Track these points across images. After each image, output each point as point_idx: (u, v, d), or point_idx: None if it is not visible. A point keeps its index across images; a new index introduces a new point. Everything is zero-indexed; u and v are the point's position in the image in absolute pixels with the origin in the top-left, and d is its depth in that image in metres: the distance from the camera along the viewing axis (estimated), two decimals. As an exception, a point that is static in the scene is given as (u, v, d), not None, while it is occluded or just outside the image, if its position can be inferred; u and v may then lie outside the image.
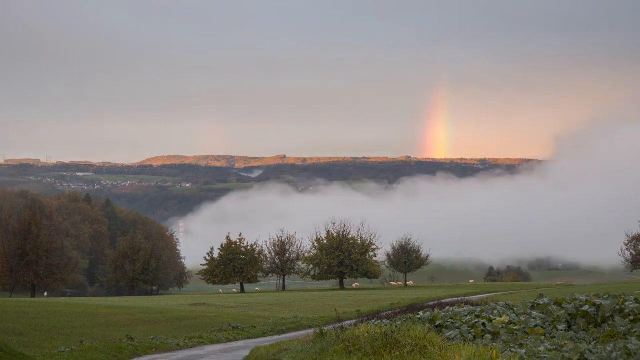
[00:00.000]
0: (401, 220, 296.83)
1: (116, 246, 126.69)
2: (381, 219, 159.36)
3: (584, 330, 20.32)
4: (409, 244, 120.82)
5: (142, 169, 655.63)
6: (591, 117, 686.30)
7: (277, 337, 41.35)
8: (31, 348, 30.47)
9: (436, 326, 22.66)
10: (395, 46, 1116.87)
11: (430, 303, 51.13)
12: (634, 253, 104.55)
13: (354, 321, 33.80)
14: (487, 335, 20.08)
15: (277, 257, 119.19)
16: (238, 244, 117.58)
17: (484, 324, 21.44)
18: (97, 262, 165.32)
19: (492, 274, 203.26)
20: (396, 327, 21.95)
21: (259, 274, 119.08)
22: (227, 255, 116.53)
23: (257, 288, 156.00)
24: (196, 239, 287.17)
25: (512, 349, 17.32)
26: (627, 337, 17.96)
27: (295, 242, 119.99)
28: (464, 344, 17.79)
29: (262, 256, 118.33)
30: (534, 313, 22.26)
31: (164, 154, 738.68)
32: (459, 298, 58.20)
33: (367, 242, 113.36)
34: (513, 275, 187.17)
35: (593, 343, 17.77)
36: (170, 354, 33.21)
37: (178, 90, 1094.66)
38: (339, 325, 26.66)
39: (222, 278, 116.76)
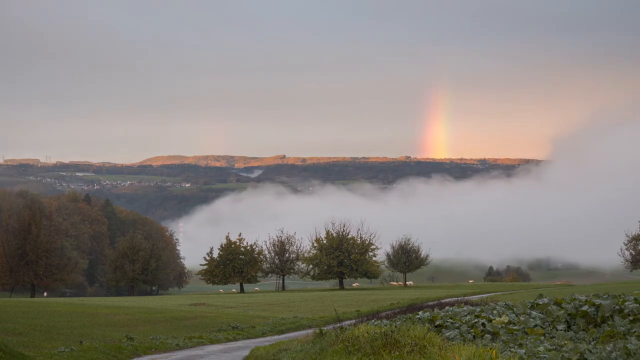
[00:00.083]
0: (400, 220, 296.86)
1: (116, 246, 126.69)
2: (380, 219, 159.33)
3: (583, 330, 20.32)
4: (409, 244, 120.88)
5: (141, 169, 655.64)
6: (591, 117, 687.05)
7: (276, 337, 41.34)
8: (31, 348, 30.46)
9: (436, 326, 22.66)
10: (395, 46, 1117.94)
11: (429, 303, 51.11)
12: (634, 253, 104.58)
13: (353, 321, 33.79)
14: (487, 335, 20.08)
15: (276, 257, 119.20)
16: (238, 244, 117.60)
17: (483, 324, 21.44)
18: (96, 262, 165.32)
19: (492, 274, 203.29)
20: (396, 327, 21.95)
21: (258, 274, 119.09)
22: (226, 255, 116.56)
23: (256, 288, 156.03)
24: (195, 239, 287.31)
25: (512, 349, 17.32)
26: (626, 337, 17.96)
27: (295, 242, 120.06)
28: (464, 344, 17.79)
29: (261, 256, 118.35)
30: (534, 313, 22.26)
31: (163, 154, 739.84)
32: (459, 298, 58.18)
33: (367, 242, 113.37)
34: (512, 275, 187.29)
35: (592, 343, 17.77)
36: (169, 354, 33.20)
37: (178, 90, 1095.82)
38: (338, 325, 26.65)
39: (222, 278, 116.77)
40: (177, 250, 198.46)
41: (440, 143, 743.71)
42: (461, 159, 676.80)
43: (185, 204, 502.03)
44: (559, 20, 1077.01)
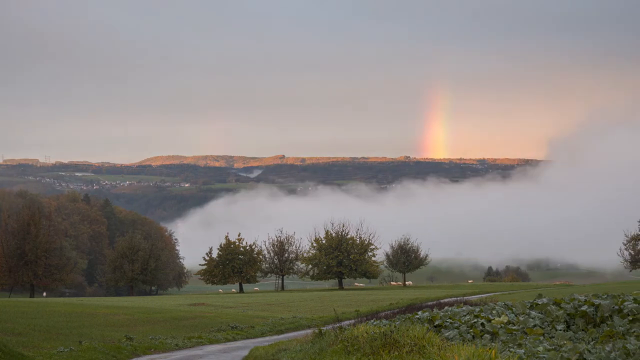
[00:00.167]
0: (400, 220, 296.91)
1: (115, 246, 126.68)
2: (380, 219, 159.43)
3: (582, 330, 20.32)
4: (408, 244, 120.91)
5: (141, 169, 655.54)
6: (591, 117, 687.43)
7: (275, 337, 41.35)
8: (30, 348, 30.46)
9: (435, 326, 22.66)
10: (395, 46, 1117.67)
11: (429, 303, 51.12)
12: (633, 253, 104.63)
13: (352, 321, 33.79)
14: (486, 335, 20.08)
15: (275, 257, 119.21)
16: (237, 244, 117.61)
17: (482, 324, 21.45)
18: (96, 262, 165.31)
19: (491, 274, 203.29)
20: (395, 327, 21.96)
21: (257, 274, 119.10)
22: (225, 255, 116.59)
23: (256, 288, 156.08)
24: (195, 239, 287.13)
25: (511, 349, 17.32)
26: (625, 337, 17.96)
27: (294, 242, 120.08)
28: (463, 344, 17.79)
29: (261, 256, 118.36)
30: (533, 313, 22.27)
31: (162, 154, 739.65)
32: (458, 298, 58.20)
33: (366, 242, 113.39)
34: (512, 275, 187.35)
35: (592, 343, 17.77)
36: (169, 354, 33.20)
37: (177, 90, 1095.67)
38: (337, 325, 26.65)
39: (221, 278, 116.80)
40: (177, 250, 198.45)
41: (440, 143, 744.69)
42: (460, 159, 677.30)
43: (184, 204, 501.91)
44: (559, 20, 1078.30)
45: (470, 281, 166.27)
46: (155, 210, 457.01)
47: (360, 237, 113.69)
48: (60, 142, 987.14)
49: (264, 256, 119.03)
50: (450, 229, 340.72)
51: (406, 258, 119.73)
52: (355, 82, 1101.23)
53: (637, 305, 20.65)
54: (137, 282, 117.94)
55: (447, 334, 20.83)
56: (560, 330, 20.18)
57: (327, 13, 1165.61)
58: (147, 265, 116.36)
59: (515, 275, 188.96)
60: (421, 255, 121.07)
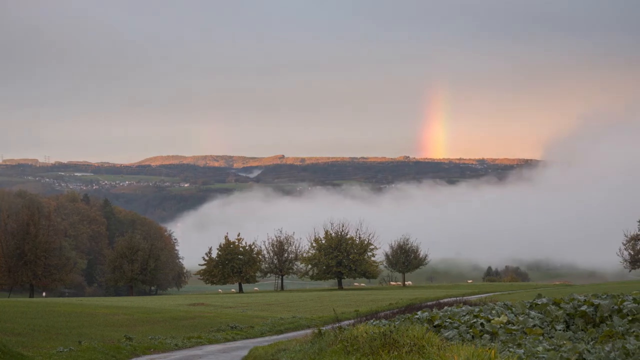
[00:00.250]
0: (399, 220, 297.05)
1: (114, 246, 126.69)
2: (379, 219, 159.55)
3: (582, 330, 20.33)
4: (407, 244, 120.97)
5: (140, 169, 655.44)
6: (590, 117, 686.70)
7: (275, 337, 41.36)
8: (29, 348, 30.46)
9: (434, 326, 22.67)
10: (395, 46, 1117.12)
11: (428, 303, 51.12)
12: (632, 253, 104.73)
13: (352, 321, 33.79)
14: (486, 335, 20.08)
15: (275, 257, 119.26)
16: (236, 244, 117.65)
17: (482, 324, 21.45)
18: (95, 262, 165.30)
19: (491, 274, 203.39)
20: (394, 327, 21.96)
21: (257, 274, 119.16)
22: (225, 255, 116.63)
23: (256, 288, 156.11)
24: (194, 239, 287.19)
25: (511, 349, 17.32)
26: (625, 337, 17.96)
27: (294, 242, 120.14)
28: (463, 344, 17.80)
29: (260, 256, 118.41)
30: (532, 313, 22.27)
31: (162, 154, 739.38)
32: (458, 298, 58.21)
33: (366, 242, 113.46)
34: (511, 275, 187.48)
35: (591, 343, 17.77)
36: (168, 354, 33.21)
37: (176, 90, 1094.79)
38: (337, 325, 26.66)
39: (221, 278, 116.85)
40: (176, 250, 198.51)
41: (439, 143, 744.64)
42: (460, 159, 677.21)
43: (183, 204, 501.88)
44: (559, 20, 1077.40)
45: (469, 281, 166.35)
46: (155, 210, 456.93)
47: (359, 237, 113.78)
48: (60, 142, 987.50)
49: (264, 256, 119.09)
50: (449, 228, 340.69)
51: (405, 258, 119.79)
52: (355, 82, 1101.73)
53: (636, 305, 20.66)
54: (137, 282, 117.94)
55: (446, 334, 20.83)
56: (560, 330, 20.19)
57: (327, 13, 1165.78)
58: (147, 265, 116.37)
59: (514, 275, 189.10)
60: (420, 255, 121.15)
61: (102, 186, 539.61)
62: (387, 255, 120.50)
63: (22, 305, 50.01)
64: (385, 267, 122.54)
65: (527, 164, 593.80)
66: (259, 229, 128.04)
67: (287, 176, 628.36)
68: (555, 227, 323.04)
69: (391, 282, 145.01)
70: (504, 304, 26.78)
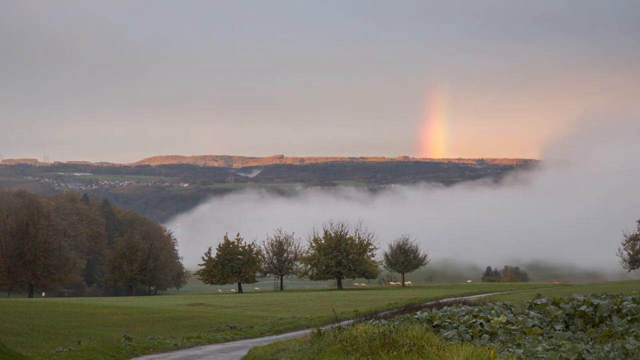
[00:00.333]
0: (398, 220, 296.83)
1: (114, 246, 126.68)
2: (378, 219, 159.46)
3: (581, 330, 20.34)
4: (407, 244, 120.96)
5: (139, 169, 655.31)
6: (590, 117, 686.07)
7: (274, 337, 41.36)
8: (29, 348, 30.46)
9: (434, 326, 22.67)
10: (394, 46, 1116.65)
11: (428, 303, 51.13)
12: (632, 253, 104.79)
13: (351, 321, 33.80)
14: (485, 335, 20.09)
15: (274, 257, 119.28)
16: (236, 244, 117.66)
17: (481, 323, 21.46)
18: (94, 262, 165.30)
19: (490, 274, 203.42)
20: (394, 327, 21.97)
21: (256, 274, 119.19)
22: (224, 256, 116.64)
23: (256, 288, 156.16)
24: (193, 239, 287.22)
25: (510, 349, 17.33)
26: (624, 337, 17.97)
27: (293, 242, 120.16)
28: (462, 344, 17.80)
29: (259, 256, 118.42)
30: (532, 313, 22.28)
31: (161, 154, 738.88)
32: (457, 298, 58.15)
33: (365, 242, 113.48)
34: (511, 275, 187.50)
35: (591, 343, 17.78)
36: (168, 354, 33.20)
37: (176, 90, 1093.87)
38: (336, 325, 26.66)
39: (220, 278, 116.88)
40: (175, 250, 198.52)
41: (439, 143, 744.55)
42: (459, 159, 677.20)
43: (183, 204, 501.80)
44: (559, 20, 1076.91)
45: (469, 281, 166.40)
46: (154, 210, 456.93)
47: (359, 237, 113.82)
48: (59, 142, 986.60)
49: (263, 256, 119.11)
50: (448, 228, 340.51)
51: (405, 258, 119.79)
52: (355, 82, 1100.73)
53: (636, 305, 20.67)
54: (136, 282, 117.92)
55: (445, 334, 20.84)
56: (559, 330, 20.20)
57: (327, 13, 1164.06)
58: (146, 265, 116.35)
59: (514, 275, 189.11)
60: (420, 255, 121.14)
61: (101, 186, 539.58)
62: (386, 255, 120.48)
63: (22, 305, 50.01)
64: (385, 267, 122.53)
65: (527, 164, 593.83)
66: (259, 229, 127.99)
67: (286, 176, 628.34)
68: (555, 227, 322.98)
69: (390, 282, 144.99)
70: (503, 304, 26.79)
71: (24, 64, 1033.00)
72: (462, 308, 26.47)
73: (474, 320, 22.04)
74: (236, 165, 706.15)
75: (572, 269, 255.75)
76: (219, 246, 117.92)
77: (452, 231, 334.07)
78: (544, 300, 24.12)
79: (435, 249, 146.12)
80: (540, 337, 19.18)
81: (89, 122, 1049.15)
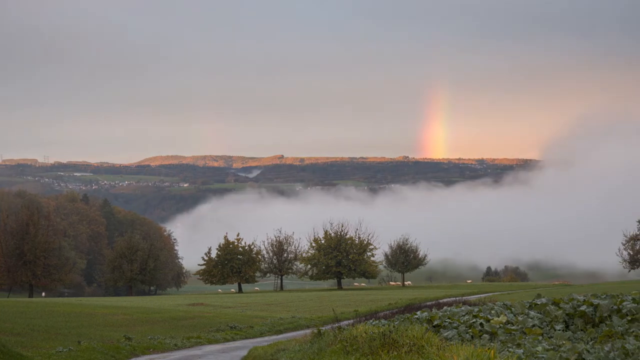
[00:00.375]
0: (398, 220, 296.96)
1: (114, 246, 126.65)
2: (378, 219, 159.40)
3: (581, 330, 20.34)
4: (407, 244, 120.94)
5: (139, 169, 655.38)
6: (591, 117, 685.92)
7: (274, 337, 41.36)
8: (29, 348, 30.46)
9: (434, 326, 22.67)
10: (394, 46, 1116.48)
11: (428, 303, 51.13)
12: (632, 253, 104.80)
13: (351, 321, 33.80)
14: (485, 335, 20.09)
15: (274, 257, 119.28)
16: (236, 244, 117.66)
17: (481, 324, 21.46)
18: (94, 262, 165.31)
19: (490, 274, 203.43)
20: (394, 327, 21.97)
21: (256, 274, 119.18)
22: (224, 256, 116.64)
23: (256, 288, 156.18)
24: (193, 239, 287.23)
25: (510, 349, 17.33)
26: (624, 337, 17.97)
27: (293, 242, 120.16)
28: (462, 344, 17.81)
29: (259, 256, 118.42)
30: (532, 313, 22.28)
31: (161, 154, 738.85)
32: (457, 298, 58.14)
33: (365, 242, 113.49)
34: (511, 275, 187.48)
35: (591, 343, 17.78)
36: (167, 354, 33.21)
37: (176, 90, 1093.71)
38: (336, 325, 26.67)
39: (220, 278, 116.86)
40: (175, 250, 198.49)
41: (439, 143, 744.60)
42: (459, 159, 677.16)
43: (183, 204, 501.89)
44: (559, 20, 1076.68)
45: (469, 281, 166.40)
46: (154, 210, 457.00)
47: (359, 237, 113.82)
48: (59, 142, 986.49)
49: (263, 256, 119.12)
50: (448, 229, 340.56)
51: (405, 258, 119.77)
52: (355, 82, 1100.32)
53: (636, 305, 20.67)
54: (136, 282, 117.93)
55: (445, 334, 20.84)
56: (559, 330, 20.20)
57: (327, 13, 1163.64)
58: (146, 265, 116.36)
59: (514, 275, 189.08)
60: (420, 255, 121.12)
61: (101, 186, 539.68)
62: (386, 255, 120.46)
63: (22, 305, 50.01)
64: (385, 267, 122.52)
65: (527, 164, 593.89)
66: (258, 229, 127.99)
67: (286, 176, 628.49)
68: (555, 227, 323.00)
69: (390, 282, 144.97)
70: (503, 304, 26.80)
71: (24, 64, 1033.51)
72: (462, 308, 26.47)
73: (474, 320, 22.04)
74: (236, 165, 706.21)
75: (572, 269, 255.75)
76: (219, 246, 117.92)
77: (451, 231, 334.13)
78: (544, 300, 24.12)
79: (435, 249, 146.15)
80: (540, 337, 19.18)
81: (89, 122, 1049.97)
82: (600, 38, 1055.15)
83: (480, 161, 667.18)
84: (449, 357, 16.11)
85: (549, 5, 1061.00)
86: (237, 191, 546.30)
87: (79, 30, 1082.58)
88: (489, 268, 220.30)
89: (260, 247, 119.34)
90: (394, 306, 57.14)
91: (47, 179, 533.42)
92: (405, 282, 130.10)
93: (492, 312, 24.05)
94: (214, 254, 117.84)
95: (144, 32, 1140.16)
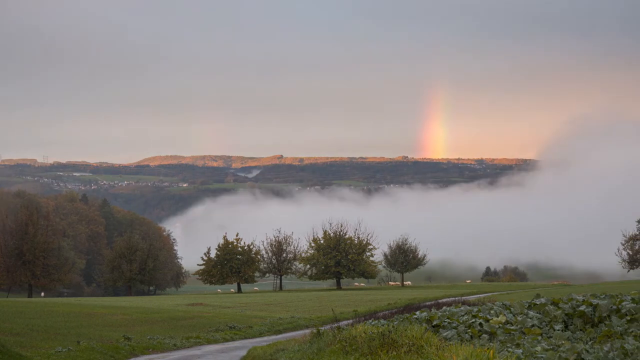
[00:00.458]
0: (398, 220, 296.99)
1: (113, 246, 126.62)
2: (377, 219, 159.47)
3: (580, 330, 20.34)
4: (406, 244, 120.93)
5: (139, 169, 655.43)
6: (591, 117, 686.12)
7: (274, 337, 41.34)
8: (28, 348, 30.44)
9: (433, 326, 22.67)
10: (394, 46, 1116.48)
11: (427, 303, 51.12)
12: (631, 253, 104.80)
13: (351, 321, 33.80)
14: (484, 335, 20.09)
15: (274, 257, 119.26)
16: (235, 244, 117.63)
17: (480, 324, 21.46)
18: (94, 262, 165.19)
19: (489, 274, 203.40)
20: (393, 327, 21.96)
21: (256, 274, 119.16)
22: (224, 256, 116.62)
23: (255, 288, 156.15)
24: (192, 239, 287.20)
25: (509, 349, 17.33)
26: (623, 337, 17.97)
27: (292, 242, 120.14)
28: (461, 344, 17.81)
29: (259, 256, 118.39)
30: (531, 313, 22.28)
31: (160, 154, 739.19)
32: (456, 298, 58.17)
33: (364, 242, 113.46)
34: (510, 275, 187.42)
35: (590, 343, 17.78)
36: (167, 354, 33.19)
37: (175, 90, 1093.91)
38: (336, 325, 26.67)
39: (219, 278, 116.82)
40: (175, 250, 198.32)
41: (438, 143, 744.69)
42: (458, 159, 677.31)
43: (182, 204, 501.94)
44: (559, 20, 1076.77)
45: (468, 281, 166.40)
46: (154, 210, 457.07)
47: (358, 237, 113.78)
48: (59, 142, 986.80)
49: (262, 256, 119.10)
50: (447, 228, 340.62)
51: (404, 258, 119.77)
52: (355, 82, 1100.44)
53: (635, 305, 20.67)
54: (135, 282, 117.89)
55: (445, 334, 20.84)
56: (558, 330, 20.20)
57: (327, 13, 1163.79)
58: (145, 265, 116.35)
59: (513, 275, 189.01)
60: (419, 255, 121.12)
61: (100, 186, 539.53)
62: (385, 255, 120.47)
63: (21, 305, 49.99)
64: (384, 267, 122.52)
65: (526, 164, 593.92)
66: (258, 229, 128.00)
67: (285, 176, 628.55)
68: (554, 227, 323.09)
69: (390, 282, 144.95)
70: (503, 304, 26.80)
71: (24, 64, 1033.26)
72: (462, 308, 26.48)
73: (473, 320, 22.04)
74: (235, 165, 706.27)
75: (572, 269, 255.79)
76: (218, 246, 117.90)
77: (450, 231, 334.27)
78: (543, 300, 24.13)
79: (434, 249, 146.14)
80: (539, 337, 19.18)
81: (89, 122, 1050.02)
82: (600, 38, 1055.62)
83: (480, 161, 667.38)
84: (448, 357, 16.11)
85: (549, 5, 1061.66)
86: (236, 191, 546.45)
87: (79, 30, 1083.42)
88: (488, 268, 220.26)
89: (259, 247, 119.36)
90: (393, 306, 57.12)
91: (46, 179, 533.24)
92: (404, 282, 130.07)
93: (491, 312, 24.05)
94: (213, 254, 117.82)
95: (144, 32, 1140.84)
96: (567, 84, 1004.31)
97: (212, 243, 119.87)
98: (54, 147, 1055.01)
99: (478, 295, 73.20)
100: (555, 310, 21.71)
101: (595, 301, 21.81)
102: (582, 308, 21.26)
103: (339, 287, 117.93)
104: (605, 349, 16.12)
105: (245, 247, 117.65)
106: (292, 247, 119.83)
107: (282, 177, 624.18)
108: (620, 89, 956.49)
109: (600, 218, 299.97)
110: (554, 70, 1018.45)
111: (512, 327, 20.64)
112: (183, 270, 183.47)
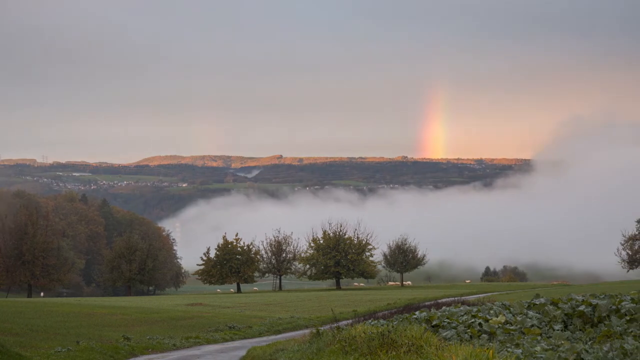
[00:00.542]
0: (397, 220, 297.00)
1: (112, 246, 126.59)
2: (377, 219, 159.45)
3: (580, 330, 20.34)
4: (406, 244, 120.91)
5: (138, 169, 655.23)
6: (591, 117, 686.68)
7: (273, 337, 41.34)
8: (27, 348, 30.44)
9: (433, 326, 22.67)
10: (394, 46, 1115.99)
11: (426, 303, 51.14)
12: (630, 253, 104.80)
13: (350, 321, 33.80)
14: (484, 335, 20.09)
15: (273, 257, 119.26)
16: (234, 244, 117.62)
17: (480, 324, 21.46)
18: (93, 262, 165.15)
19: (489, 274, 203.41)
20: (393, 327, 21.96)
21: (255, 274, 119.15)
22: (223, 256, 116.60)
23: (255, 288, 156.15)
24: (192, 239, 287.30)
25: (509, 349, 17.33)
26: (623, 337, 17.97)
27: (292, 242, 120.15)
28: (461, 344, 17.81)
29: (258, 256, 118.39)
30: (531, 313, 22.28)
31: (160, 154, 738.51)
32: (456, 298, 58.14)
33: (364, 242, 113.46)
34: (509, 275, 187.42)
35: (589, 343, 17.78)
36: (166, 354, 33.19)
37: (175, 90, 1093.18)
38: (335, 325, 26.67)
39: (219, 278, 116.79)
40: (174, 250, 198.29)
41: (438, 143, 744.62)
42: (458, 159, 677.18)
43: (182, 204, 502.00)
44: (559, 20, 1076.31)
45: (467, 281, 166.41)
46: (153, 210, 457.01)
47: (357, 237, 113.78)
48: (58, 142, 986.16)
49: (262, 256, 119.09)
50: (447, 228, 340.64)
51: (404, 258, 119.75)
52: (355, 82, 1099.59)
53: (634, 305, 20.68)
54: (135, 282, 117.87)
55: (444, 334, 20.84)
56: (558, 330, 20.21)
57: (327, 13, 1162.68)
58: (145, 265, 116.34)
59: (512, 275, 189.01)
60: (418, 255, 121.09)
61: (100, 186, 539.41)
62: (385, 255, 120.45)
63: (20, 305, 49.99)
64: (384, 267, 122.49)
65: (526, 164, 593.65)
66: (257, 229, 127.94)
67: (285, 176, 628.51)
68: (554, 227, 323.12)
69: (389, 282, 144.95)
70: (502, 304, 26.80)
71: (24, 64, 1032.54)
72: (461, 308, 26.49)
73: (472, 320, 22.04)
74: (235, 165, 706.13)
75: (571, 269, 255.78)
76: (218, 246, 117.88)
77: (450, 231, 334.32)
78: (542, 300, 24.14)
79: (434, 249, 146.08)
80: (538, 337, 19.18)
81: (89, 122, 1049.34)
82: (600, 38, 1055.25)
83: (479, 161, 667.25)
84: (447, 357, 16.11)
85: (549, 5, 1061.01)
86: (236, 191, 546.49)
87: (79, 30, 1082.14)
88: (487, 268, 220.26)
89: (258, 247, 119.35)
90: (393, 306, 57.14)
91: (45, 179, 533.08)
92: (404, 282, 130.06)
93: (491, 312, 24.05)
94: (212, 254, 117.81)
95: (144, 32, 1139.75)
96: (567, 84, 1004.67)
97: (211, 243, 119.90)
98: (54, 147, 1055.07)
99: (477, 295, 73.18)
100: (555, 310, 21.72)
101: (594, 301, 21.81)
102: (582, 308, 21.26)
103: (338, 287, 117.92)
104: (605, 349, 16.12)
105: (245, 247, 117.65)
106: (291, 247, 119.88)
107: (281, 177, 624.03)
108: (620, 89, 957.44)
109: (599, 218, 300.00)
110: (554, 70, 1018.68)
111: (511, 327, 20.64)
112: (182, 270, 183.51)
